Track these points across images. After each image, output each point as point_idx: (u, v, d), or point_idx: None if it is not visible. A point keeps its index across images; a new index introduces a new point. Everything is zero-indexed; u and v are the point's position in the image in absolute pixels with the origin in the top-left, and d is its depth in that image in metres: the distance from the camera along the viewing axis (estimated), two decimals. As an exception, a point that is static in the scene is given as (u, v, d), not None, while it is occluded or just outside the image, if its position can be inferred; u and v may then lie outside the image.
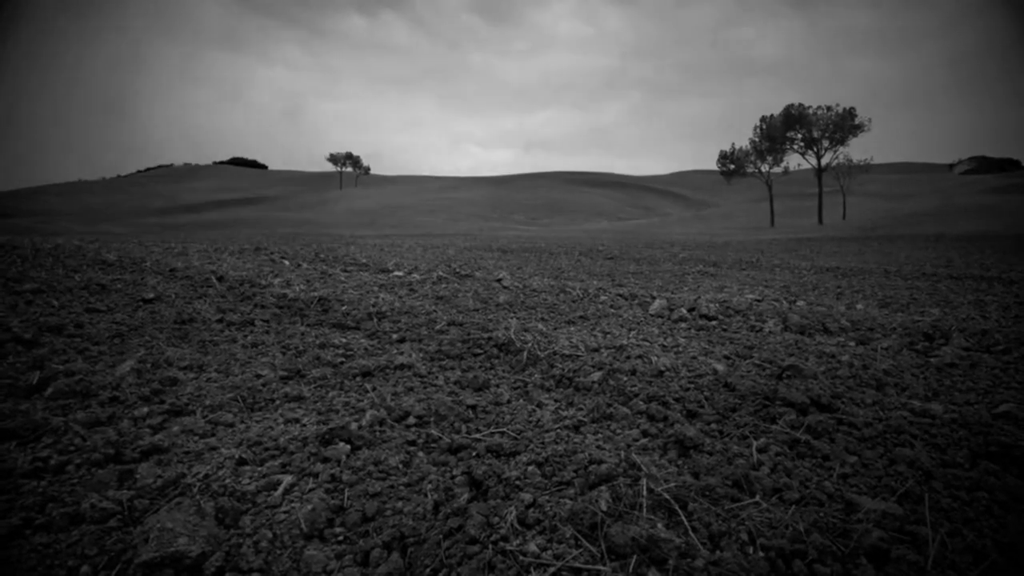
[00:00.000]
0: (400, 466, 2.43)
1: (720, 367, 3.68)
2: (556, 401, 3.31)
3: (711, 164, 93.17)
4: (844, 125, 74.79)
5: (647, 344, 4.42)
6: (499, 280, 8.83)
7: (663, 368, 3.64)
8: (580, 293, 7.40)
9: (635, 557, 1.81)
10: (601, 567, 1.77)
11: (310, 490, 2.25)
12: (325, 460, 2.48)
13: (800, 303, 7.06)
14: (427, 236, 40.05)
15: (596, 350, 4.13)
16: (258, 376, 3.63)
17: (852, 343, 4.86)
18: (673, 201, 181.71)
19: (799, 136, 78.01)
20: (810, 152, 78.69)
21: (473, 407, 3.15)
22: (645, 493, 2.11)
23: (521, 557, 1.81)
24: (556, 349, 4.10)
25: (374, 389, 3.44)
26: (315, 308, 6.03)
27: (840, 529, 1.97)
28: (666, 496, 2.11)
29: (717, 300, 6.78)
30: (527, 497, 2.11)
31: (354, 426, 2.77)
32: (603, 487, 2.14)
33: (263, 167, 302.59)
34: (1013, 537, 1.94)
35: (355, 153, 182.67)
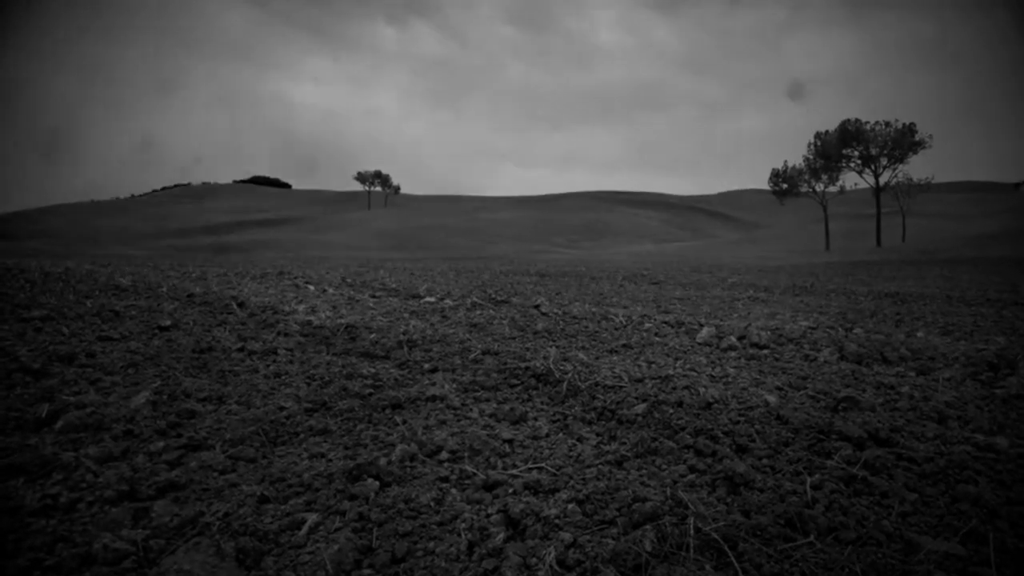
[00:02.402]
0: (432, 504, 2.45)
1: (772, 399, 3.66)
2: (598, 435, 3.31)
3: (762, 183, 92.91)
4: (903, 142, 74.23)
5: (694, 374, 4.40)
6: (537, 306, 8.85)
7: (711, 400, 3.62)
8: (623, 320, 7.39)
9: (686, 604, 1.80)
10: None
11: (336, 529, 2.27)
12: (352, 497, 2.51)
13: (857, 331, 6.97)
14: (461, 259, 40.31)
15: (640, 381, 4.12)
16: (281, 408, 3.67)
17: (912, 373, 4.81)
18: (722, 222, 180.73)
19: (856, 153, 77.71)
20: (867, 170, 78.27)
21: (509, 441, 3.16)
22: (692, 532, 2.11)
23: (562, 603, 1.81)
24: (598, 380, 4.10)
25: (404, 422, 3.47)
26: (342, 336, 6.10)
27: (900, 571, 1.95)
28: (715, 536, 2.10)
29: (769, 327, 6.71)
30: (567, 537, 2.12)
31: (383, 461, 2.80)
32: (648, 526, 2.14)
33: (287, 186, 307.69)
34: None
35: (384, 171, 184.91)
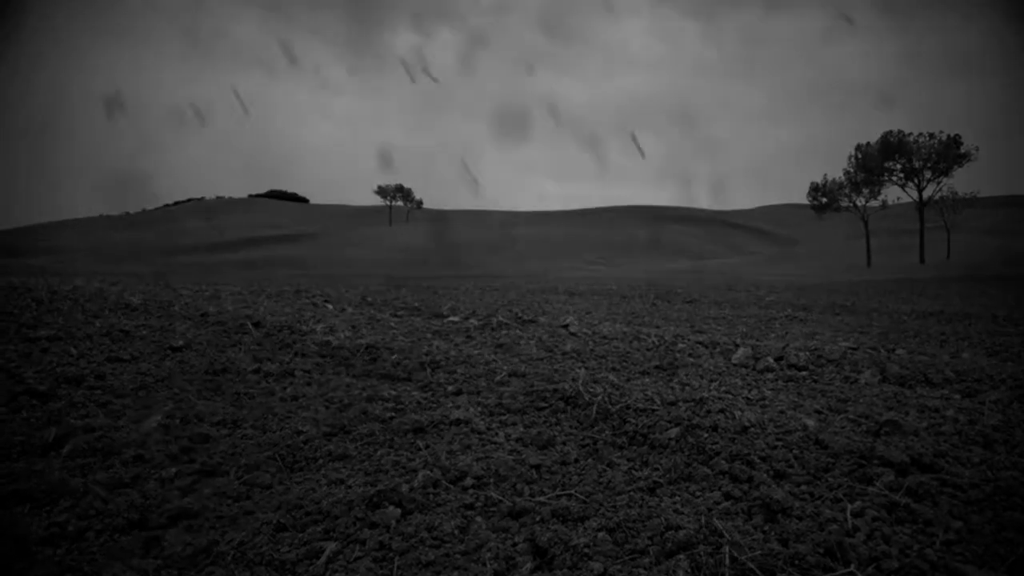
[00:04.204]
0: (456, 532, 2.46)
1: (811, 422, 3.63)
2: (629, 460, 3.31)
3: (801, 197, 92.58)
4: (948, 154, 74.02)
5: (730, 397, 4.38)
6: (566, 326, 8.84)
7: (748, 424, 3.60)
8: (656, 341, 7.36)
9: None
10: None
11: (356, 559, 2.29)
12: (373, 525, 2.53)
13: (899, 351, 6.90)
14: (487, 277, 40.40)
15: (673, 404, 4.10)
16: (299, 432, 3.71)
17: (957, 396, 4.77)
18: (759, 238, 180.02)
19: (898, 166, 77.62)
20: (910, 184, 78.17)
21: (537, 467, 3.16)
22: (728, 562, 2.11)
23: (593, 637, 1.82)
24: (629, 403, 4.09)
25: (427, 447, 3.48)
26: (362, 357, 6.14)
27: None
28: (751, 565, 2.10)
29: (807, 348, 6.66)
30: (597, 567, 2.13)
31: (405, 488, 2.81)
32: (681, 555, 2.14)
33: (304, 200, 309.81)
34: None
35: (406, 185, 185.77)
